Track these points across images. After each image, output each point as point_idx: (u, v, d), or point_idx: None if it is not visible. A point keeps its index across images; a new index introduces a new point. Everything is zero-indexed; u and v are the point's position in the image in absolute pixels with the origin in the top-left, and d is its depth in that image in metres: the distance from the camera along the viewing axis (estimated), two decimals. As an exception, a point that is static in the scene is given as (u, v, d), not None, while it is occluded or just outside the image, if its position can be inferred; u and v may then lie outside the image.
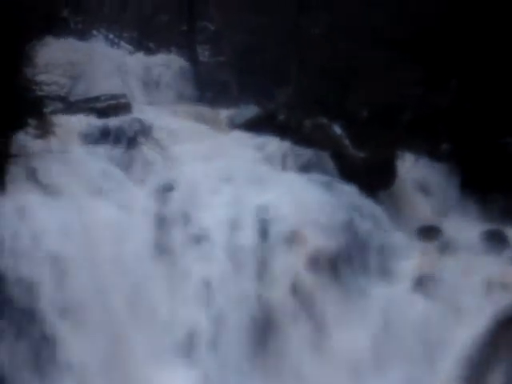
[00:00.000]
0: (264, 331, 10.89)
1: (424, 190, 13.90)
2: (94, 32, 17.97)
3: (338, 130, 13.88)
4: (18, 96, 11.23)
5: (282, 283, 11.05)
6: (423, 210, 13.50)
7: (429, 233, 12.61)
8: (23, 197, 10.85)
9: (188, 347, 10.75)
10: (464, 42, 14.25)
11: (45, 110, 11.94)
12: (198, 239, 11.24)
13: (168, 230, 11.32)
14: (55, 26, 12.95)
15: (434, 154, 14.17)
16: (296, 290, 11.07)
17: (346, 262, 11.41)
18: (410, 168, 13.83)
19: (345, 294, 11.21)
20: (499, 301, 10.79)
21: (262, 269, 11.09)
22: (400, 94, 14.27)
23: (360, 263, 11.46)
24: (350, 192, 12.00)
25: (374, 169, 13.38)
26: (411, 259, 11.68)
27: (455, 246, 12.07)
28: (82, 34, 17.41)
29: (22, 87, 11.32)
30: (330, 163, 13.13)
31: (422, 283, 11.31)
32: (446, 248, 12.06)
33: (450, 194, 13.88)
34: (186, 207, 11.52)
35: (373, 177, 13.11)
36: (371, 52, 14.23)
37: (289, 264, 11.14)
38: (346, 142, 13.79)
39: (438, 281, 11.28)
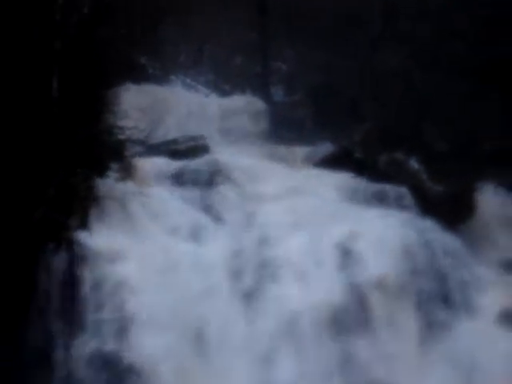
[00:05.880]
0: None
1: (505, 222, 13.64)
2: (172, 77, 18.38)
3: (415, 164, 13.78)
4: (100, 141, 11.57)
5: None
6: (505, 242, 13.24)
7: (511, 266, 12.38)
8: (106, 239, 11.12)
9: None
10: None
11: (126, 153, 12.25)
12: (276, 278, 11.25)
13: (245, 270, 11.38)
14: (134, 73, 13.32)
15: (515, 186, 13.92)
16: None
17: (428, 297, 11.28)
18: (491, 200, 13.60)
19: (428, 330, 11.06)
20: None
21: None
22: (479, 124, 14.09)
23: (442, 298, 11.30)
24: (429, 227, 11.87)
25: (453, 202, 13.23)
26: (494, 293, 11.47)
27: (539, 279, 11.82)
28: (160, 79, 17.85)
29: (103, 132, 11.66)
30: (408, 198, 13.03)
31: (506, 317, 11.09)
32: (529, 281, 11.83)
33: (533, 225, 13.59)
34: (264, 246, 11.57)
35: (452, 210, 12.95)
36: (448, 83, 14.12)
37: (369, 299, 11.08)
38: (424, 176, 13.68)
39: (522, 314, 11.05)
